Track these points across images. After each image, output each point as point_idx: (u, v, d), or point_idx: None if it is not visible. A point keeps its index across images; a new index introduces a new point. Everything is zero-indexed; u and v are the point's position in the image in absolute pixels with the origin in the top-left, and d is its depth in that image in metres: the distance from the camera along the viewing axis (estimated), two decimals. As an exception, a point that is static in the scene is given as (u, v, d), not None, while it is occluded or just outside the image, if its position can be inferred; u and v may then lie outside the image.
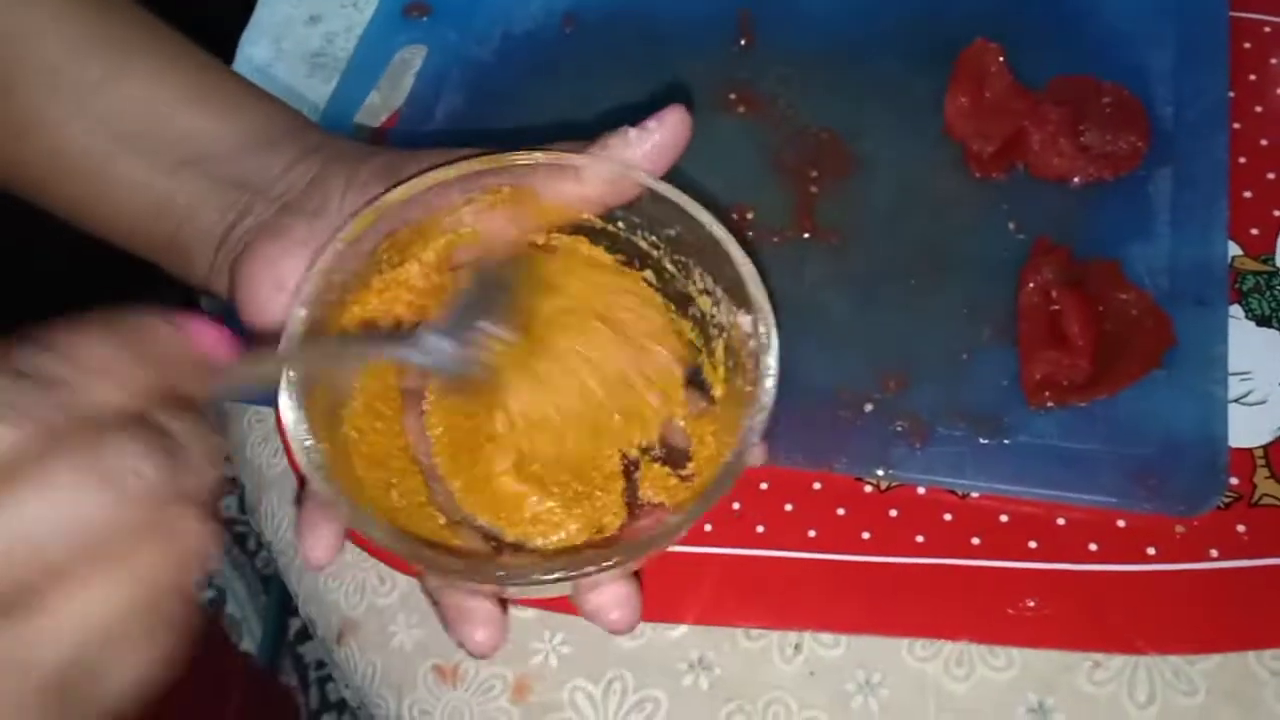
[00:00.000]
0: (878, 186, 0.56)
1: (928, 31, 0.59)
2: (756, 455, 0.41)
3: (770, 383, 0.40)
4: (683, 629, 0.48)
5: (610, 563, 0.38)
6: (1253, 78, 0.57)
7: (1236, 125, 0.55)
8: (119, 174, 0.45)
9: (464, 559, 0.41)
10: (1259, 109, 0.56)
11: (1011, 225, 0.54)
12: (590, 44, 0.63)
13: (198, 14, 0.52)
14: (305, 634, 1.13)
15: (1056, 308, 0.50)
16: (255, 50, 0.67)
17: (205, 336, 0.32)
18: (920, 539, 0.48)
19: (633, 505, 0.45)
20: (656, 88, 0.60)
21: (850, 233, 0.55)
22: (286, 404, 0.38)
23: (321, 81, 0.65)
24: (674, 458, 0.45)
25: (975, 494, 0.49)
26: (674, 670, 0.48)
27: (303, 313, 0.40)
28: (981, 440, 0.49)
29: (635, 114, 0.57)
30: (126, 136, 0.45)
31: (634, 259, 0.46)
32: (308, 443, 0.38)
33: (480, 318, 0.42)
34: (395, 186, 0.42)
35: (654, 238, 0.45)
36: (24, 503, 0.26)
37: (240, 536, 1.25)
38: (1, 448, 0.26)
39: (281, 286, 0.42)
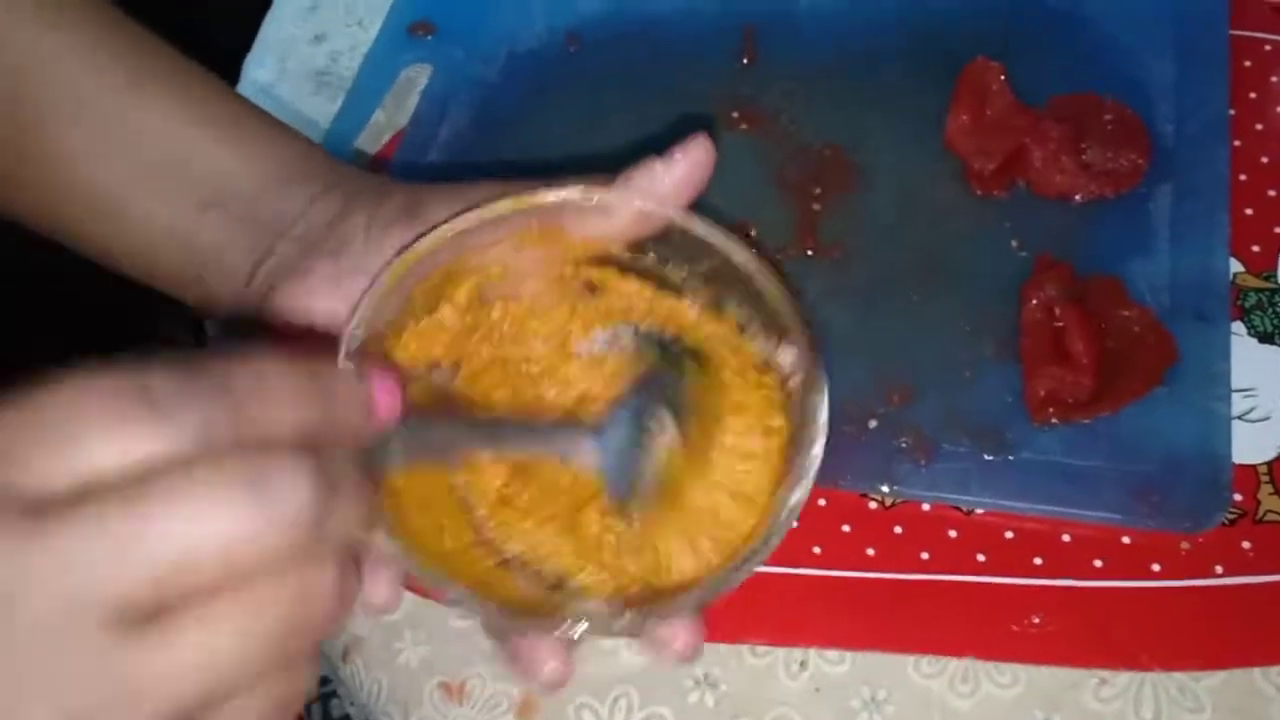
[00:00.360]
0: (880, 203, 0.56)
1: (929, 49, 0.59)
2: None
3: (823, 420, 0.39)
4: (688, 646, 0.48)
5: (682, 607, 0.38)
6: (1253, 95, 0.57)
7: (1237, 142, 0.56)
8: (140, 213, 0.45)
9: (535, 616, 0.39)
10: (1259, 126, 0.56)
11: (1013, 242, 0.54)
12: (594, 62, 0.63)
13: (201, 34, 0.52)
14: (307, 650, 1.13)
15: (1059, 324, 0.50)
16: (260, 70, 0.67)
17: (384, 392, 0.32)
18: (925, 555, 0.48)
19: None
20: (660, 105, 0.60)
21: (853, 249, 0.55)
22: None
23: (326, 100, 0.65)
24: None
25: (980, 510, 0.49)
26: (680, 687, 0.48)
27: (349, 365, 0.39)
28: (986, 456, 0.49)
29: (638, 130, 0.58)
30: (147, 174, 0.45)
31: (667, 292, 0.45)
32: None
33: (652, 415, 0.41)
34: (424, 234, 0.41)
35: (685, 270, 0.44)
36: (175, 512, 0.25)
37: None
38: (161, 447, 0.25)
39: (315, 317, 0.42)
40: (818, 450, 0.39)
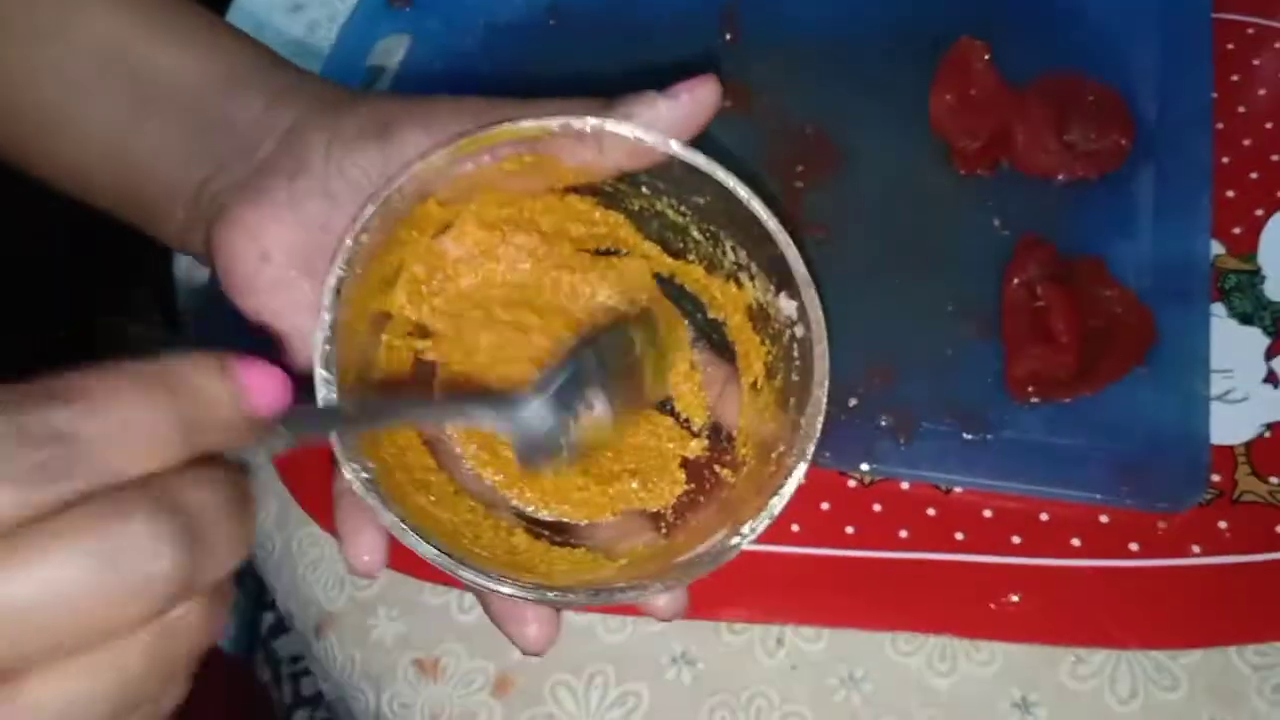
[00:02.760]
0: (863, 182, 0.56)
1: (914, 28, 0.59)
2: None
3: (823, 373, 0.38)
4: (665, 623, 0.48)
5: (672, 581, 0.37)
6: (1236, 78, 0.57)
7: (1220, 125, 0.56)
8: (75, 123, 0.42)
9: (527, 584, 0.37)
10: (1242, 109, 0.56)
11: (996, 222, 0.54)
12: (574, 37, 0.62)
13: None
14: (279, 628, 1.12)
15: (1041, 304, 0.50)
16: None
17: (257, 383, 0.28)
18: (904, 534, 0.48)
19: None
20: (641, 82, 0.59)
21: (836, 228, 0.55)
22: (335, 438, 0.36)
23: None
24: (714, 437, 0.44)
25: (959, 489, 0.49)
26: (656, 664, 0.47)
27: (326, 338, 0.37)
28: (966, 435, 0.49)
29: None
30: (81, 81, 0.41)
31: (655, 226, 0.44)
32: (364, 475, 0.35)
33: (582, 392, 0.39)
34: (410, 165, 0.38)
35: (681, 206, 0.43)
36: (11, 579, 0.23)
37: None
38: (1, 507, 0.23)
39: (266, 258, 0.39)
40: (819, 410, 0.38)
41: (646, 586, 0.37)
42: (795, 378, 0.40)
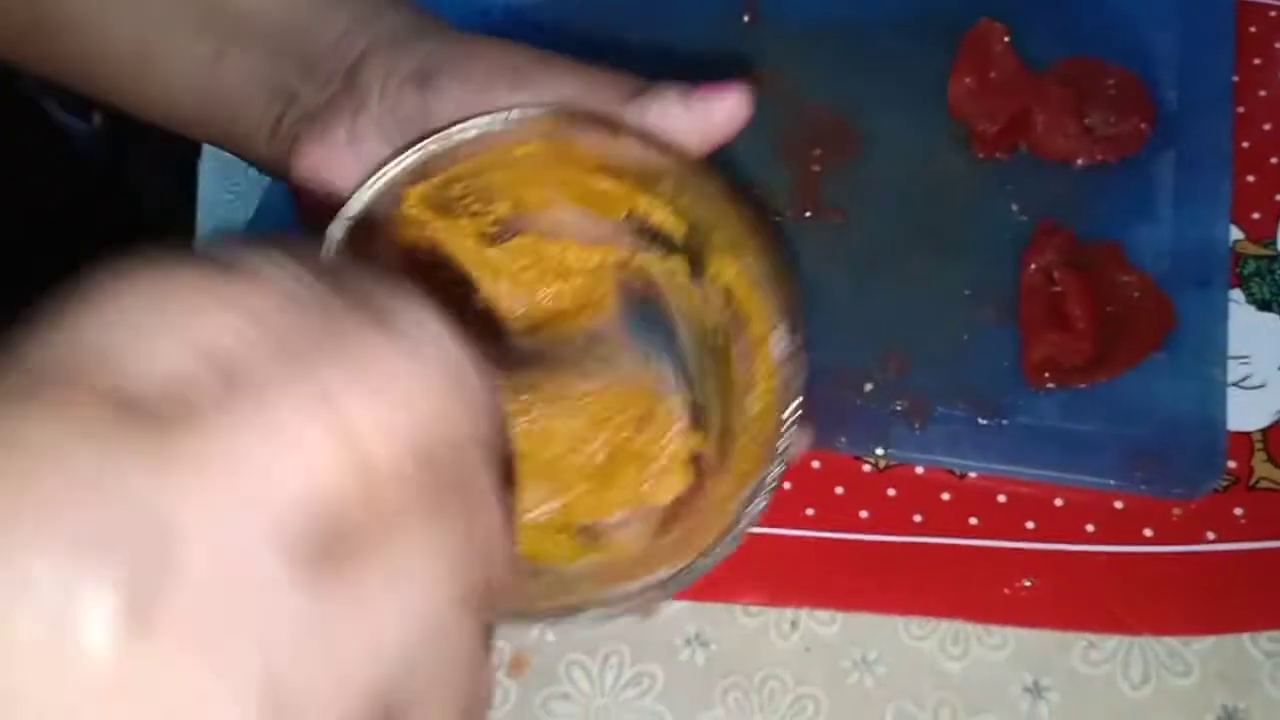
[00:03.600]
0: (881, 166, 0.56)
1: (933, 11, 0.59)
2: (802, 441, 0.37)
3: (798, 386, 0.36)
4: (680, 605, 0.48)
5: (653, 590, 0.35)
6: (1257, 61, 0.57)
7: (1240, 109, 0.55)
8: (158, 62, 0.42)
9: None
10: (1263, 93, 0.56)
11: (1014, 206, 0.54)
12: (593, 18, 0.62)
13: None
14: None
15: (1058, 289, 0.50)
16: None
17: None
18: (918, 518, 0.48)
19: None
20: (658, 63, 0.59)
21: (853, 212, 0.55)
22: None
23: None
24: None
25: (974, 474, 0.49)
26: (671, 645, 0.48)
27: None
28: (981, 421, 0.49)
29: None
30: (161, 18, 0.41)
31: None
32: None
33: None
34: (422, 139, 0.38)
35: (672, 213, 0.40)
36: (371, 602, 0.19)
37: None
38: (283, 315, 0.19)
39: (330, 195, 0.39)
40: (789, 434, 0.36)
41: (632, 600, 0.35)
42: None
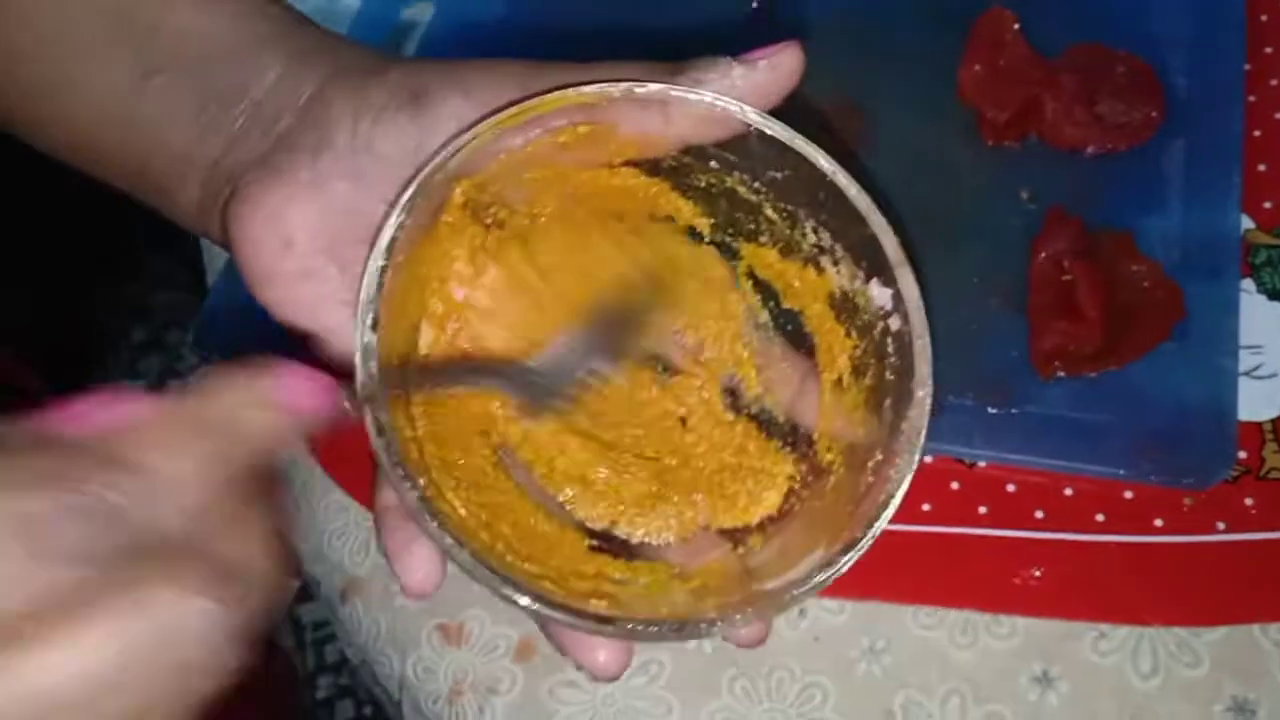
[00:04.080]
0: (890, 154, 0.55)
1: (943, -2, 0.58)
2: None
3: (926, 371, 0.35)
4: (688, 593, 0.48)
5: (759, 613, 0.34)
6: (1269, 50, 0.56)
7: (1252, 98, 0.55)
8: (76, 87, 0.38)
9: (600, 616, 0.33)
10: (1274, 82, 0.56)
11: (1024, 194, 0.53)
12: (599, 5, 0.62)
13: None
14: (302, 595, 1.13)
15: (1068, 278, 0.50)
16: None
17: (303, 392, 0.28)
18: (927, 507, 0.48)
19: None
20: (666, 50, 0.59)
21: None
22: (381, 448, 0.33)
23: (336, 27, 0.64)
24: (794, 438, 0.40)
25: (983, 463, 0.49)
26: (678, 634, 0.48)
27: (371, 338, 0.33)
28: (990, 410, 0.49)
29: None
30: (85, 45, 0.38)
31: (723, 205, 0.40)
32: (413, 492, 0.32)
33: (590, 358, 0.38)
34: (452, 143, 0.34)
35: (755, 182, 0.38)
36: (46, 666, 0.22)
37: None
38: (30, 591, 0.22)
39: (290, 245, 0.35)
40: (923, 415, 0.34)
41: (733, 620, 0.33)
42: (890, 376, 0.36)
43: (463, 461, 0.37)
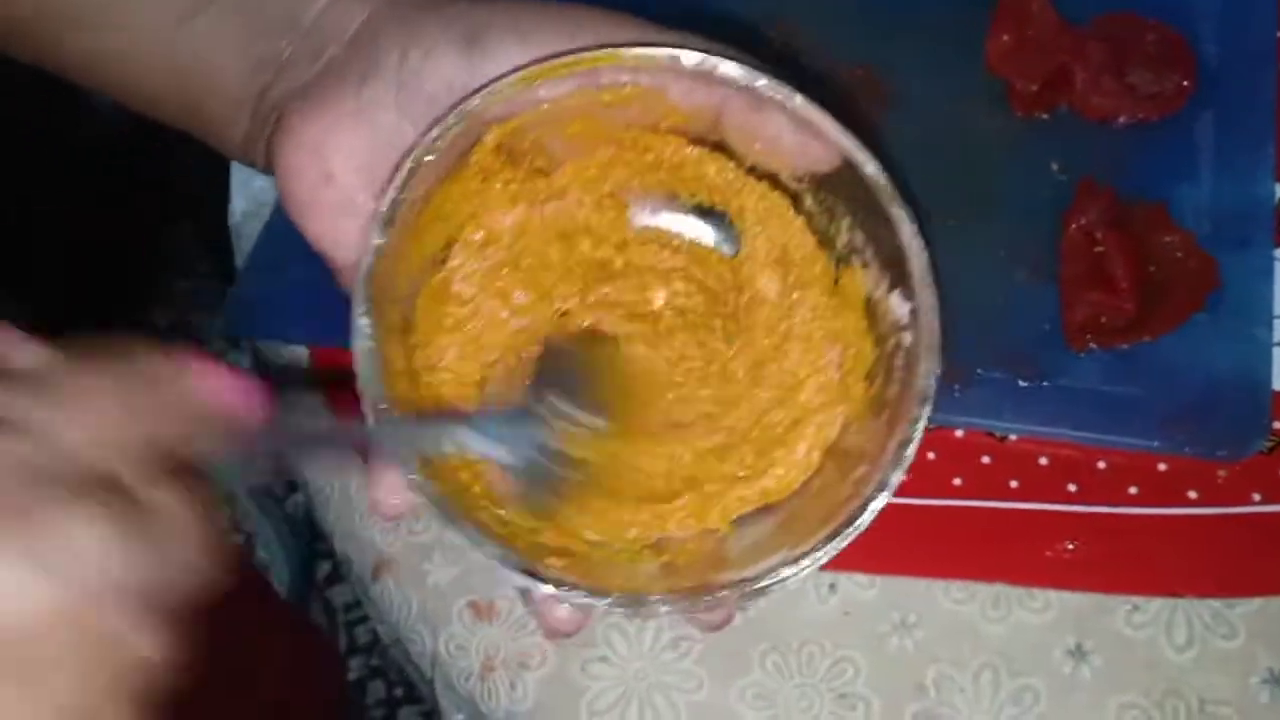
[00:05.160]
0: (918, 126, 0.55)
1: (969, -33, 0.58)
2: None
3: (928, 391, 0.34)
4: (718, 569, 0.48)
5: (716, 602, 0.34)
6: (1302, 16, 0.56)
7: (1285, 64, 0.54)
8: (120, 19, 0.37)
9: (560, 579, 0.34)
10: (1308, 48, 0.55)
11: (1054, 165, 0.53)
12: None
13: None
14: (334, 577, 1.14)
15: (1100, 249, 0.49)
16: None
17: (223, 387, 0.27)
18: (958, 481, 0.48)
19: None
20: (689, 18, 0.58)
21: (887, 171, 0.54)
22: (365, 365, 0.33)
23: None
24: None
25: (1014, 437, 0.48)
26: (709, 610, 0.48)
27: (369, 274, 0.33)
28: (1021, 383, 0.48)
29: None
30: None
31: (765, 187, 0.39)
32: (414, 476, 0.33)
33: (554, 394, 0.36)
34: (491, 84, 0.33)
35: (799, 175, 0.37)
36: None
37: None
38: None
39: (330, 178, 0.35)
40: (914, 436, 0.34)
41: (690, 605, 0.34)
42: (894, 389, 0.36)
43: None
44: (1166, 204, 0.51)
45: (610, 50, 0.34)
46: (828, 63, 0.57)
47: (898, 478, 0.34)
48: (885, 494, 0.34)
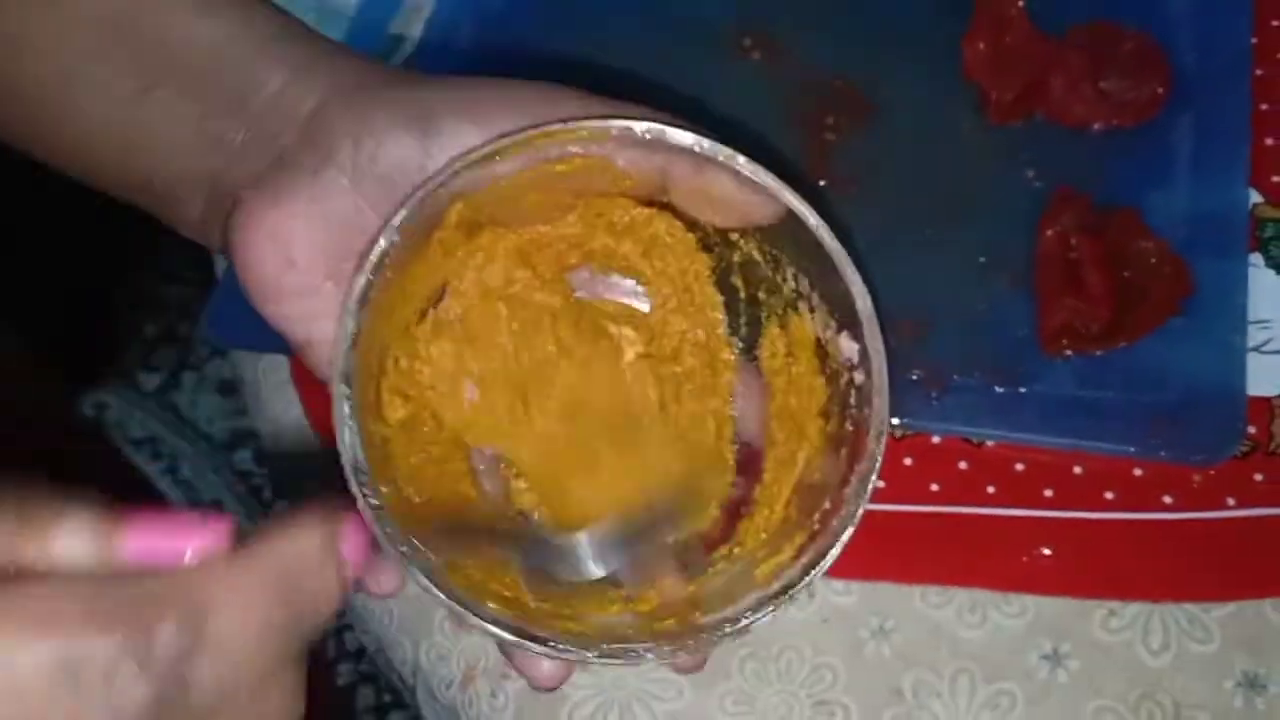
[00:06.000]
0: (895, 134, 0.55)
1: (947, -25, 0.58)
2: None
3: (882, 425, 0.35)
4: (697, 576, 0.48)
5: (694, 648, 0.36)
6: (1275, 23, 0.56)
7: (1259, 72, 0.54)
8: (77, 98, 0.38)
9: (541, 636, 0.35)
10: (1282, 55, 0.55)
11: (1030, 173, 0.53)
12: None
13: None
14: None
15: (1075, 256, 0.50)
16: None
17: (359, 545, 0.29)
18: (935, 487, 0.48)
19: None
20: (671, 29, 0.59)
21: (867, 181, 0.54)
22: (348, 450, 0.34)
23: (331, 31, 0.64)
24: (744, 466, 0.41)
25: (991, 443, 0.49)
26: (688, 617, 0.48)
27: (348, 350, 0.34)
28: (998, 389, 0.49)
29: (648, 53, 0.57)
30: (86, 53, 0.38)
31: (716, 238, 0.40)
32: (374, 502, 0.33)
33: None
34: (455, 161, 0.35)
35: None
36: None
37: (255, 489, 1.25)
38: None
39: (290, 262, 0.35)
40: (873, 469, 0.35)
41: (674, 650, 0.35)
42: (849, 426, 0.37)
43: (433, 472, 0.38)
44: (1141, 210, 0.51)
45: (562, 126, 0.35)
46: (805, 73, 0.57)
47: (860, 510, 0.35)
48: (853, 526, 0.35)
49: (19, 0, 0.38)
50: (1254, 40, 0.55)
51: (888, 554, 0.47)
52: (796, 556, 0.36)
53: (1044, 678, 0.45)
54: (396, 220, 0.35)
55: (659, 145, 0.35)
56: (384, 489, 0.34)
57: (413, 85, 0.36)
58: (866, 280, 0.36)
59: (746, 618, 0.35)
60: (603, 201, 0.39)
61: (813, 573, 0.35)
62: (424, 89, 0.36)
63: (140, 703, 0.23)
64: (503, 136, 0.35)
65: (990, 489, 0.48)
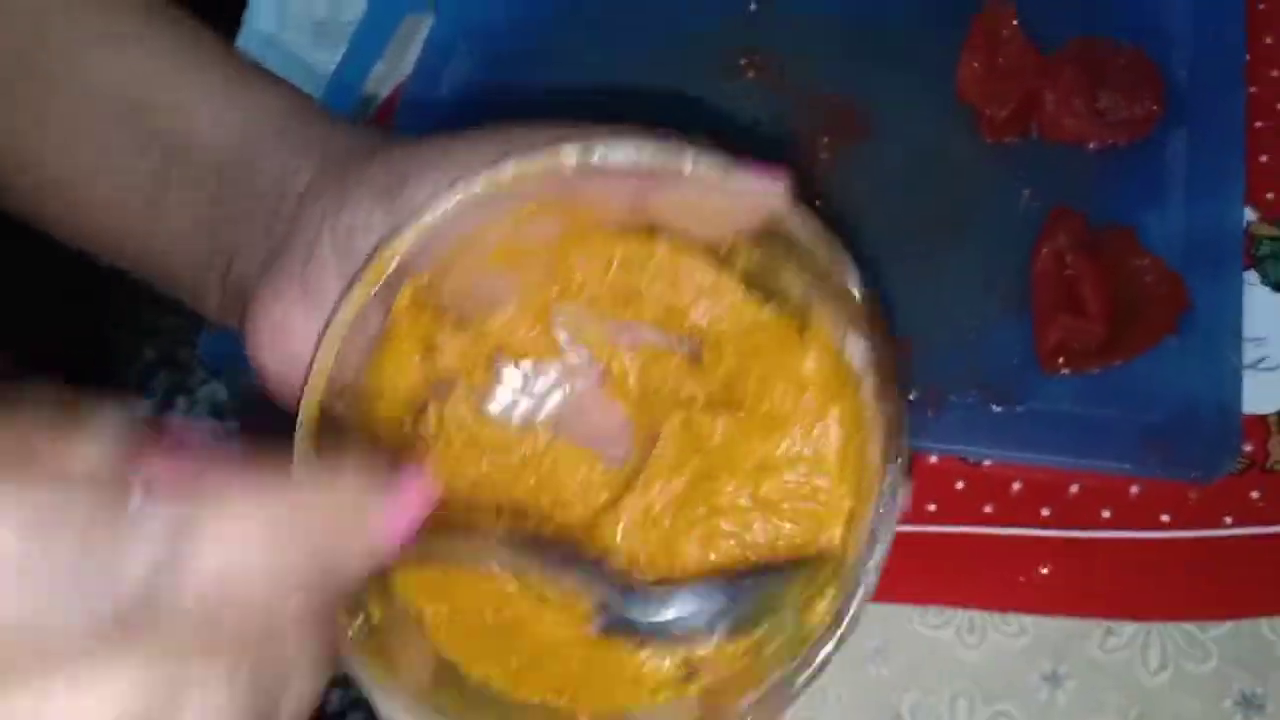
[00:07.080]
0: (890, 152, 0.55)
1: (940, -6, 0.58)
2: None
3: (900, 466, 0.34)
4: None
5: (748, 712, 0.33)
6: (1269, 40, 0.56)
7: (1253, 89, 0.55)
8: (94, 187, 0.38)
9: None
10: (1275, 73, 0.55)
11: (1025, 191, 0.53)
12: (600, 7, 0.62)
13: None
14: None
15: (1071, 274, 0.50)
16: (261, 20, 0.66)
17: (412, 503, 0.25)
18: (932, 507, 0.48)
19: None
20: (667, 51, 0.59)
21: (862, 200, 0.54)
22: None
23: (328, 51, 0.64)
24: None
25: (988, 461, 0.49)
26: (686, 638, 0.48)
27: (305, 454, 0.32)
28: (995, 407, 0.49)
29: (646, 75, 0.57)
30: (98, 135, 0.38)
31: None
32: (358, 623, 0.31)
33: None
34: (389, 237, 0.32)
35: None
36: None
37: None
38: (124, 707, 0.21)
39: (295, 357, 0.34)
40: (897, 498, 0.34)
41: None
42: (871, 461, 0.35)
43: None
44: (1137, 228, 0.51)
45: (489, 176, 0.32)
46: (800, 93, 0.57)
47: (882, 549, 0.35)
48: (877, 558, 0.35)
49: (31, 73, 0.38)
50: (1247, 57, 0.55)
51: (885, 575, 0.47)
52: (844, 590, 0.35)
53: (1043, 699, 0.45)
54: (338, 315, 0.32)
55: (607, 168, 0.32)
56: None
57: (391, 153, 0.34)
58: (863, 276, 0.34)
59: (803, 676, 0.33)
60: (573, 244, 0.35)
61: (855, 606, 0.34)
62: (402, 152, 0.34)
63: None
64: (442, 193, 0.32)
65: (987, 508, 0.48)
